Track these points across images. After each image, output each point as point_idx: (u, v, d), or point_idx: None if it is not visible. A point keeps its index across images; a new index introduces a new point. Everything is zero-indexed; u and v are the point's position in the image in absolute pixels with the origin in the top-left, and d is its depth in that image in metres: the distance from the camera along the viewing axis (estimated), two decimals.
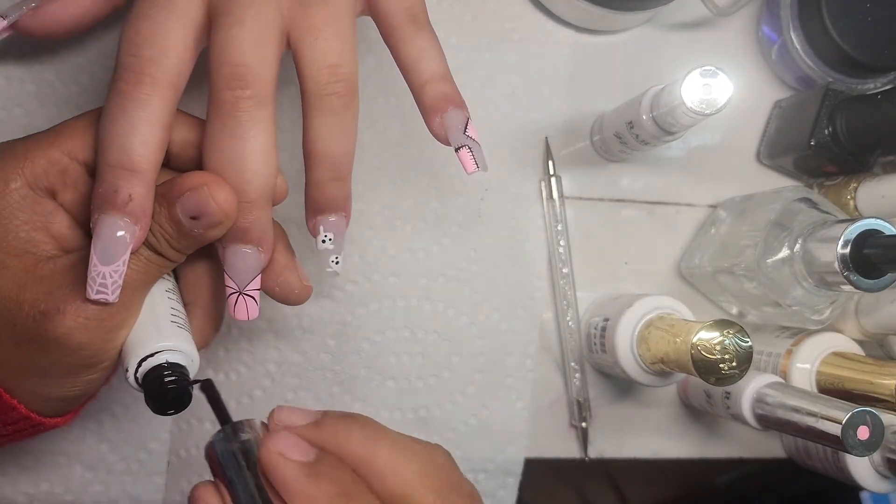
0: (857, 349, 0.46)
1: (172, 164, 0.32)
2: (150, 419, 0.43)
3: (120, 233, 0.28)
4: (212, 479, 0.29)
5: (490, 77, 0.47)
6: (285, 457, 0.27)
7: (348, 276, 0.45)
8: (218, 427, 0.29)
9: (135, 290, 0.30)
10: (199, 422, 0.44)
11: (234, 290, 0.32)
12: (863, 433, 0.37)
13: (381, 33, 0.33)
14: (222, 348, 0.44)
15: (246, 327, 0.43)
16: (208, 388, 0.30)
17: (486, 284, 0.46)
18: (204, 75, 0.29)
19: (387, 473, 0.26)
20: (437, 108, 0.33)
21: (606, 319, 0.44)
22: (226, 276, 0.32)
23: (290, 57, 0.31)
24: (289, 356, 0.44)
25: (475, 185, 0.46)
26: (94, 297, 0.28)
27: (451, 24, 0.46)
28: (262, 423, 0.31)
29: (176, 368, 0.29)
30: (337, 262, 0.35)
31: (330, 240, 0.34)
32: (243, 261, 0.31)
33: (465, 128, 0.33)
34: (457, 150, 0.33)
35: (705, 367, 0.37)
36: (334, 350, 0.44)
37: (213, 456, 0.29)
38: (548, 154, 0.47)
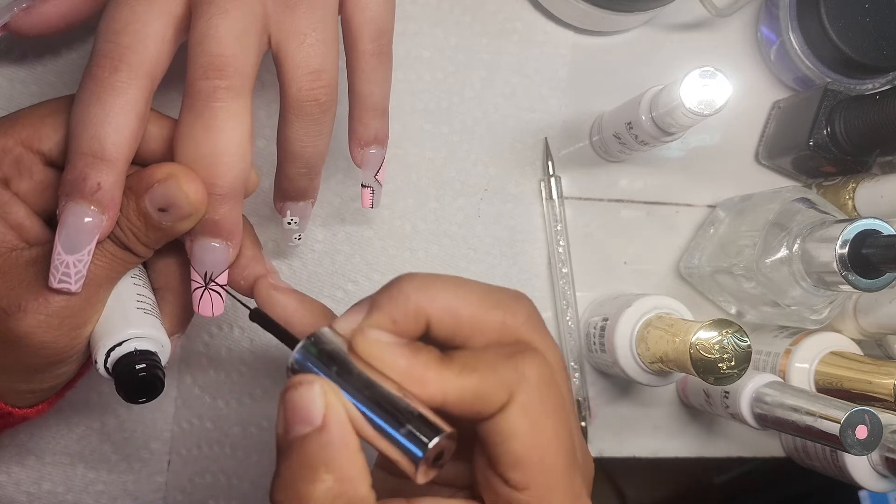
0: (855, 349, 0.46)
1: (147, 162, 0.30)
2: (152, 419, 0.43)
3: (87, 220, 0.27)
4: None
5: (490, 77, 0.47)
6: (384, 342, 0.24)
7: (348, 276, 0.45)
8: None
9: (99, 286, 0.29)
10: (200, 421, 0.44)
11: (199, 285, 0.31)
12: (861, 432, 0.37)
13: (344, 44, 0.33)
14: (224, 348, 0.44)
15: (248, 327, 0.44)
16: (260, 316, 0.29)
17: None
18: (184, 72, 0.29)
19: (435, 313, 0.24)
20: (366, 143, 0.36)
21: (605, 319, 0.44)
22: (192, 269, 0.31)
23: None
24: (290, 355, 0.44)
25: (475, 184, 0.47)
26: (55, 285, 0.27)
27: (450, 25, 0.46)
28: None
29: (146, 355, 0.29)
30: (299, 238, 0.39)
31: (296, 222, 0.37)
32: (211, 255, 0.30)
33: (378, 170, 0.37)
34: (362, 185, 0.38)
35: (704, 367, 0.37)
36: None
37: (302, 369, 0.26)
38: (547, 154, 0.47)
